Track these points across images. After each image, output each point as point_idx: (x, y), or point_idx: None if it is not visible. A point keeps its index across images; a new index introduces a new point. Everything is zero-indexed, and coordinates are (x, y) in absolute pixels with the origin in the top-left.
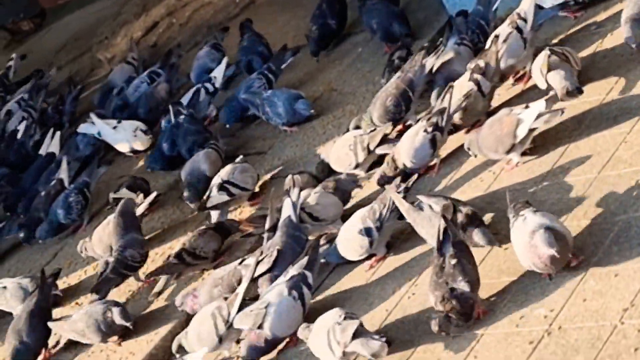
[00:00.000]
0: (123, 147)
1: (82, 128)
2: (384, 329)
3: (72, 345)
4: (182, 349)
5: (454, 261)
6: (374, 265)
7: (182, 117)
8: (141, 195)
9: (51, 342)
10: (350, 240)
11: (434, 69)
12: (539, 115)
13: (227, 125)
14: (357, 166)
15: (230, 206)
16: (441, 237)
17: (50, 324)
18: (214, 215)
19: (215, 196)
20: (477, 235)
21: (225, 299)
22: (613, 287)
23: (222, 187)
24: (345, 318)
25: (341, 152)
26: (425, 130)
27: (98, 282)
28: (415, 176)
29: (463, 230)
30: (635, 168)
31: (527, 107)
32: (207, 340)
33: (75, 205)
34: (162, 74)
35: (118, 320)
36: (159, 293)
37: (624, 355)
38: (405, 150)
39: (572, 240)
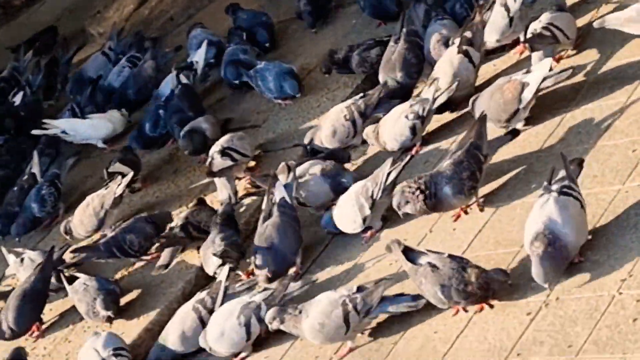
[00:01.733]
0: (98, 134)
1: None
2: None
3: (68, 319)
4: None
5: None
6: (369, 238)
7: (178, 87)
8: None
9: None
10: (344, 215)
11: None
12: (545, 78)
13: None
14: (354, 135)
15: (234, 173)
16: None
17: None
18: (221, 188)
19: (219, 161)
20: None
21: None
22: (611, 258)
23: (224, 153)
24: None
25: (337, 124)
26: (407, 117)
27: (88, 246)
28: (409, 157)
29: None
30: (631, 138)
31: (528, 71)
32: (193, 338)
33: (48, 197)
34: (141, 57)
35: (101, 310)
36: (166, 266)
37: (622, 325)
38: (387, 132)
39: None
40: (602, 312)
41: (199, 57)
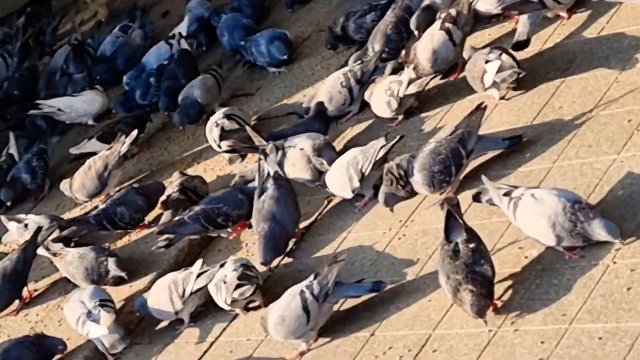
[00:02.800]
0: (92, 109)
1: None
2: (373, 270)
3: (60, 286)
4: (144, 307)
5: (472, 245)
6: (362, 207)
7: (177, 52)
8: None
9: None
10: (336, 180)
11: None
12: (500, 70)
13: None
14: (351, 102)
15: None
16: (447, 225)
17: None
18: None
19: (227, 124)
20: None
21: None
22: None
23: (230, 117)
24: None
25: (334, 91)
26: (385, 92)
27: (77, 218)
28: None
29: None
30: (627, 108)
31: (487, 61)
32: (164, 313)
33: (39, 169)
34: (132, 26)
35: (113, 270)
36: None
37: (616, 294)
38: (374, 103)
39: None
40: (596, 281)
41: (181, 29)
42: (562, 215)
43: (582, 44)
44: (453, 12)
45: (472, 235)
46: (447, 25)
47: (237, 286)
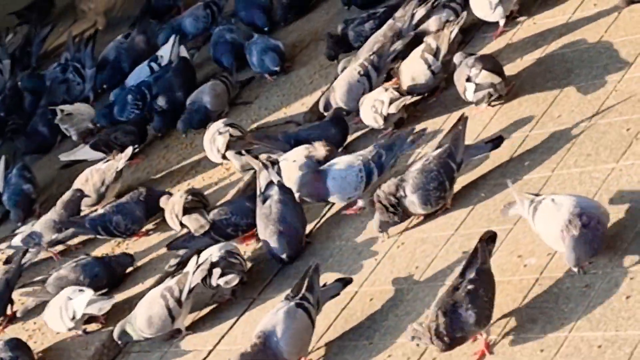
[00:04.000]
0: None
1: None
2: (372, 278)
3: None
4: (126, 335)
5: (470, 287)
6: (352, 214)
7: (173, 63)
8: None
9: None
10: (339, 180)
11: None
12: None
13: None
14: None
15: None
16: (470, 260)
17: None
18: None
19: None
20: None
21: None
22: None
23: (232, 125)
24: None
25: (352, 80)
26: (373, 106)
27: (74, 221)
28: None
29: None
30: (625, 117)
31: (468, 78)
32: (159, 324)
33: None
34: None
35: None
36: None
37: (616, 303)
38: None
39: None
40: (595, 290)
41: (165, 51)
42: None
43: (581, 53)
44: (433, 43)
45: (480, 278)
46: (426, 55)
47: (222, 274)
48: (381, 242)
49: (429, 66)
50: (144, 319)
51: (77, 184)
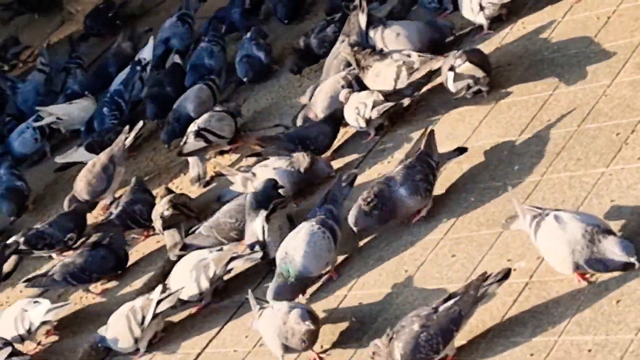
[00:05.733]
0: (87, 115)
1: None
2: (361, 282)
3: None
4: (104, 340)
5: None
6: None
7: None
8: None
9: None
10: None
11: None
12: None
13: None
14: None
15: (207, 153)
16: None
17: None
18: (192, 165)
19: (192, 143)
20: None
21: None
22: None
23: (198, 134)
24: None
25: (334, 94)
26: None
27: (102, 223)
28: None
29: None
30: (615, 121)
31: (451, 68)
32: (123, 342)
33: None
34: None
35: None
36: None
37: (606, 307)
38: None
39: None
40: (585, 293)
41: (146, 54)
42: (581, 240)
43: (570, 57)
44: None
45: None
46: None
47: None
48: (370, 246)
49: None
50: (111, 333)
51: (84, 171)
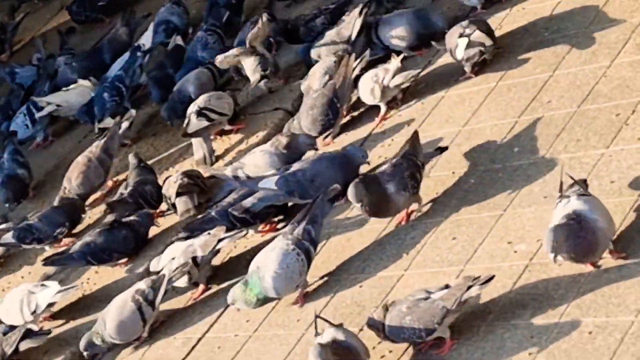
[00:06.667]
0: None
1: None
2: (362, 265)
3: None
4: (93, 346)
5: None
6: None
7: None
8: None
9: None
10: None
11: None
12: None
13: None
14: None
15: (211, 132)
16: None
17: None
18: (197, 147)
19: (194, 123)
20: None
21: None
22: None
23: (200, 114)
24: None
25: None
26: None
27: (116, 201)
28: None
29: None
30: (615, 102)
31: (461, 35)
32: (130, 328)
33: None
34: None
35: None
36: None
37: (606, 289)
38: None
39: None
40: (585, 276)
41: (146, 40)
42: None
43: (570, 39)
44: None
45: None
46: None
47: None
48: (369, 228)
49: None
50: (114, 324)
51: (79, 164)
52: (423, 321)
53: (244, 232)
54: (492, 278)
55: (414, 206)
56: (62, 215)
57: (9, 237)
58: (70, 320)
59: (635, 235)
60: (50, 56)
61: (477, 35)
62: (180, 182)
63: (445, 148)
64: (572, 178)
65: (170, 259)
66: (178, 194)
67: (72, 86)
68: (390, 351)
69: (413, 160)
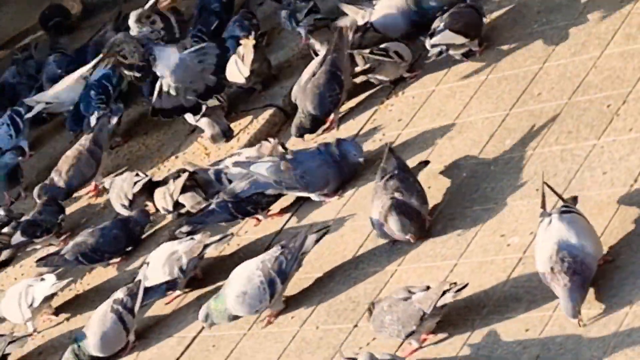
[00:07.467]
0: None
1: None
2: (356, 261)
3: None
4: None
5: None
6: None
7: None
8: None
9: None
10: None
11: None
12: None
13: None
14: None
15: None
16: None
17: None
18: (208, 125)
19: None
20: None
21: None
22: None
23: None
24: None
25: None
26: None
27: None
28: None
29: None
30: (605, 93)
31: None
32: (113, 340)
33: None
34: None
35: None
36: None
37: (600, 281)
38: None
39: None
40: None
41: None
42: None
43: (559, 30)
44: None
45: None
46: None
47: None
48: (363, 223)
49: None
50: (97, 338)
51: (69, 158)
52: (402, 322)
53: (230, 237)
54: (465, 286)
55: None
56: (56, 206)
57: (18, 237)
58: (64, 321)
59: (627, 226)
60: (29, 57)
61: (446, 36)
62: (184, 177)
63: (427, 162)
64: (554, 191)
65: (146, 264)
66: (183, 190)
67: (60, 82)
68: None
69: (412, 173)
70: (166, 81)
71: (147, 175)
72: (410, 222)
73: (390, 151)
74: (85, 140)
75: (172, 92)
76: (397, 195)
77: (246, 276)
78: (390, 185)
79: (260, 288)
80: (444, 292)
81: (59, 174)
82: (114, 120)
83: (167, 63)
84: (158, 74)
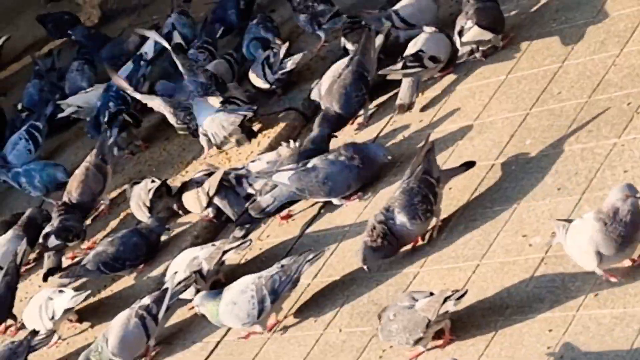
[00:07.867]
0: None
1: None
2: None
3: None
4: None
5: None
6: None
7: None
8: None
9: None
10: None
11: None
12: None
13: None
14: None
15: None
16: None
17: None
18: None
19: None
20: None
21: None
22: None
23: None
24: None
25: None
26: None
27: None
28: None
29: None
30: (625, 91)
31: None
32: (133, 344)
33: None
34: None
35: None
36: None
37: (622, 280)
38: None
39: None
40: None
41: (148, 48)
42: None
43: (578, 28)
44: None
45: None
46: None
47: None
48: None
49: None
50: (117, 341)
51: (77, 177)
52: (409, 330)
53: (249, 243)
54: (465, 293)
55: (432, 221)
56: (78, 214)
57: (53, 240)
58: (88, 328)
59: None
60: (52, 68)
61: (475, 32)
62: (219, 173)
63: (473, 163)
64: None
65: (173, 273)
66: (218, 188)
67: (92, 88)
68: None
69: (426, 180)
70: None
71: (160, 180)
72: (386, 245)
73: (427, 152)
74: (90, 157)
75: None
76: (383, 211)
77: (240, 289)
78: (395, 195)
79: (250, 303)
80: (446, 299)
81: (70, 194)
82: (115, 131)
83: None
84: None
